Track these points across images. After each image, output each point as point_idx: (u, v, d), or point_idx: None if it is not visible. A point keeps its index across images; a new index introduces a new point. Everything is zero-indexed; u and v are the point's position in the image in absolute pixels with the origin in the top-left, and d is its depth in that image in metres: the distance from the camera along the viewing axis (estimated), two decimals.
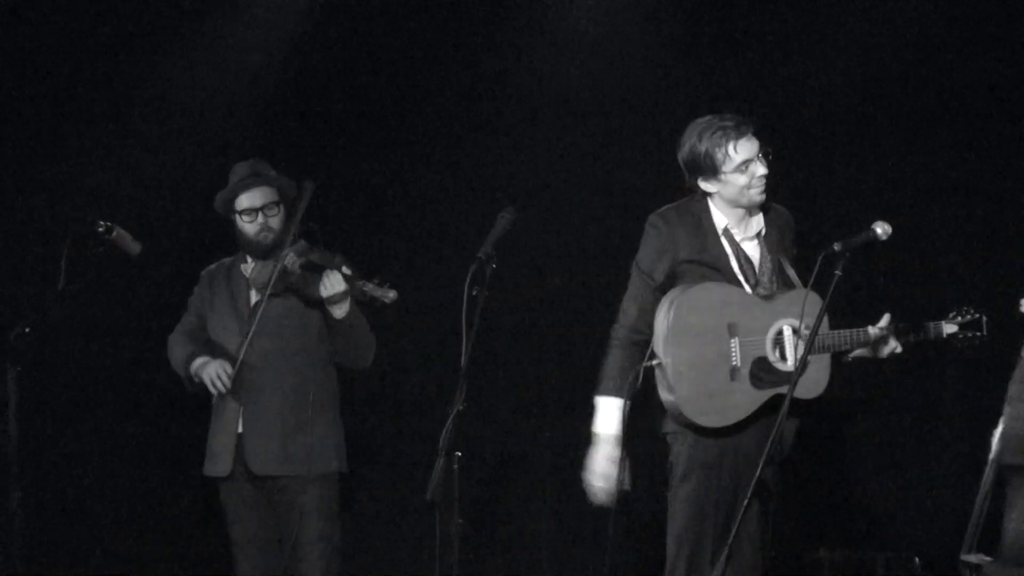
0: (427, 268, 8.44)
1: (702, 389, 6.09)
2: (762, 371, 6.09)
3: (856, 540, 7.77)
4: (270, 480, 7.00)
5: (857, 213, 6.30)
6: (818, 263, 5.74)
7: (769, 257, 6.22)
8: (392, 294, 6.76)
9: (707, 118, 6.21)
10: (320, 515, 7.03)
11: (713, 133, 6.13)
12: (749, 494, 5.74)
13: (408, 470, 8.25)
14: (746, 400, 6.09)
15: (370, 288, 6.71)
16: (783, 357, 6.08)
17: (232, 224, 7.09)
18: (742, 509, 5.74)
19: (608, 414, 6.19)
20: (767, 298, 6.15)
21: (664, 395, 6.10)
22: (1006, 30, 7.58)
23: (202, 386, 6.99)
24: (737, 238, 6.23)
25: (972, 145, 7.66)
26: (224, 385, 6.88)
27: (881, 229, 5.87)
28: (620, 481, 6.12)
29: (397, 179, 8.55)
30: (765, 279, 6.20)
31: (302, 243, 7.01)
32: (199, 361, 6.98)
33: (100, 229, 6.71)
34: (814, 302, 5.89)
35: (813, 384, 6.05)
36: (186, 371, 7.02)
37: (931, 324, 6.15)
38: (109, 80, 8.38)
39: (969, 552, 5.60)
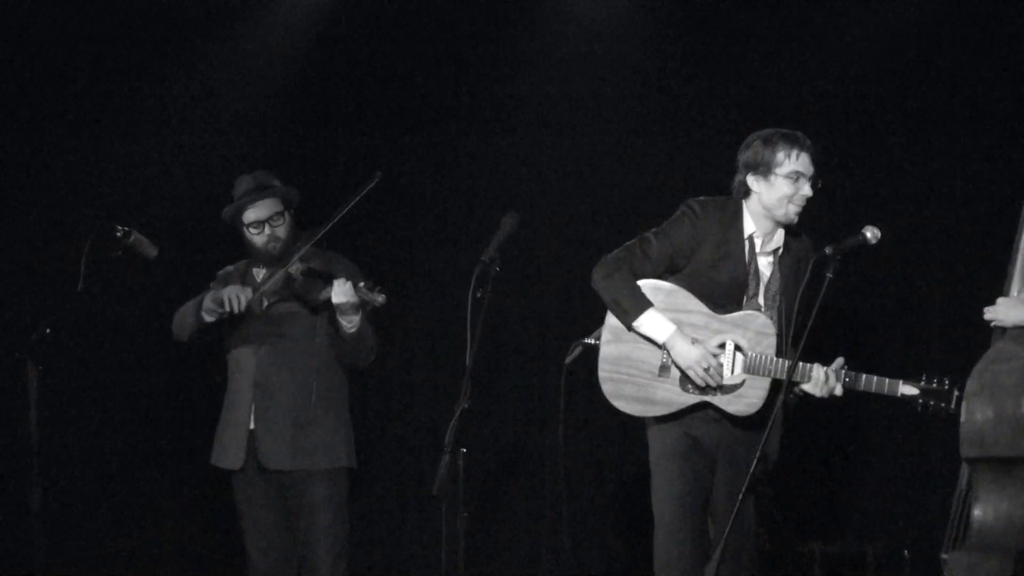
0: (433, 271, 8.46)
1: (624, 375, 6.22)
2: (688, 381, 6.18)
3: (847, 534, 7.81)
4: (281, 474, 6.96)
5: (849, 217, 6.32)
6: (811, 266, 5.79)
7: (779, 277, 6.26)
8: (381, 298, 6.73)
9: (778, 130, 6.28)
10: (329, 509, 7.00)
11: (781, 138, 6.21)
12: (744, 490, 5.80)
13: (415, 466, 8.28)
14: (668, 398, 6.19)
15: (361, 292, 6.73)
16: (730, 369, 6.14)
17: (240, 234, 7.11)
18: (736, 506, 5.80)
19: (656, 321, 6.24)
20: (727, 313, 6.21)
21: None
22: (994, 38, 7.60)
23: (208, 331, 7.02)
24: (757, 248, 6.28)
25: (961, 152, 7.69)
26: (239, 304, 6.89)
27: (871, 233, 5.91)
28: None
29: (405, 186, 8.55)
30: (769, 296, 6.27)
31: (308, 249, 7.01)
32: (212, 292, 6.96)
33: (118, 234, 6.72)
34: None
35: (746, 405, 6.11)
36: (196, 315, 6.95)
37: (887, 381, 6.07)
38: (128, 93, 8.42)
39: (948, 551, 5.61)
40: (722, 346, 6.15)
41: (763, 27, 8.09)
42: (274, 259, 7.01)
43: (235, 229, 7.10)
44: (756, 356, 6.08)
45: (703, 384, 6.08)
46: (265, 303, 6.99)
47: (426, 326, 8.52)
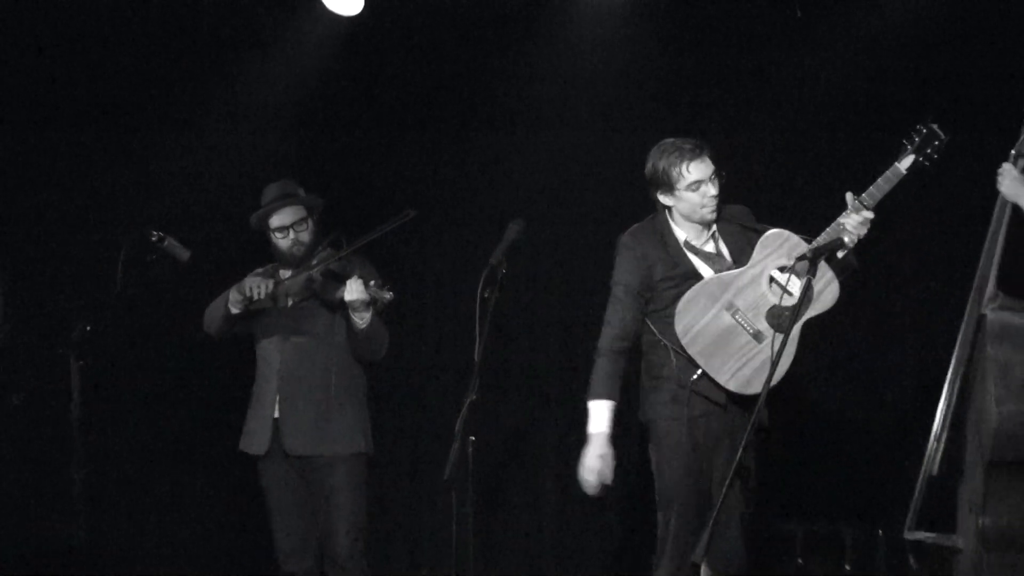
0: (445, 273, 8.44)
1: (740, 369, 6.10)
2: (779, 317, 6.03)
3: (825, 515, 7.75)
4: (303, 459, 6.97)
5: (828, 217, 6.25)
6: (792, 266, 5.73)
7: (734, 247, 6.25)
8: (389, 295, 6.76)
9: (669, 140, 6.25)
10: (348, 491, 7.00)
11: (671, 153, 6.19)
12: (731, 474, 5.72)
13: (427, 452, 8.24)
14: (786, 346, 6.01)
15: (372, 290, 6.70)
16: (789, 293, 6.04)
17: (267, 238, 7.08)
18: (723, 490, 5.72)
19: (599, 416, 6.21)
20: (740, 267, 6.16)
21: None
22: (968, 40, 7.54)
23: (234, 323, 7.00)
24: (697, 246, 6.26)
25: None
26: (261, 292, 6.86)
27: (848, 237, 5.84)
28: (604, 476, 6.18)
29: (419, 192, 8.52)
30: (734, 263, 6.23)
31: (328, 251, 7.00)
32: (236, 285, 6.95)
33: (153, 238, 6.75)
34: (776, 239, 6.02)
35: (831, 295, 6.05)
36: (224, 308, 6.98)
37: (889, 174, 5.97)
38: (164, 111, 8.41)
39: (912, 530, 5.54)
40: (772, 280, 6.08)
41: (763, 30, 8.02)
42: (298, 262, 7.02)
43: (262, 234, 7.11)
44: (801, 256, 5.97)
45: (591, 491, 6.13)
46: (290, 302, 6.98)
47: (438, 324, 8.51)
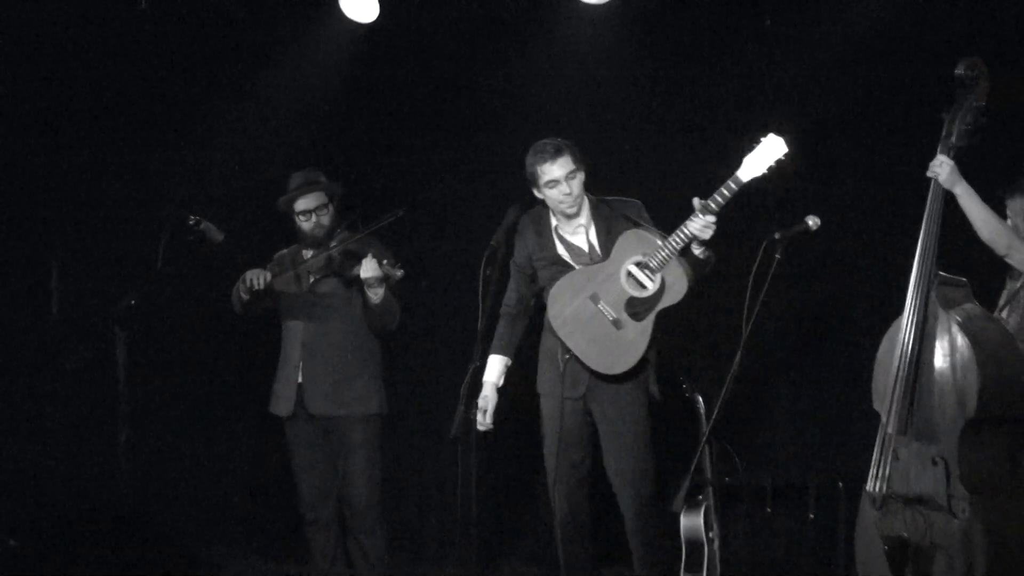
0: (452, 253, 8.44)
1: (602, 353, 6.25)
2: (636, 307, 6.16)
3: (792, 467, 7.79)
4: (324, 420, 7.02)
5: (793, 208, 6.29)
6: (762, 248, 5.77)
7: (599, 243, 6.32)
8: (400, 272, 6.82)
9: (541, 141, 6.37)
10: (365, 449, 7.06)
11: (535, 154, 6.34)
12: (705, 436, 5.81)
13: (436, 413, 8.26)
14: (639, 333, 6.19)
15: (384, 267, 6.75)
16: (643, 286, 6.15)
17: (292, 221, 7.12)
18: (700, 450, 5.84)
19: (491, 368, 6.47)
20: (602, 260, 6.27)
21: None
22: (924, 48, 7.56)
23: (252, 306, 7.06)
24: (566, 235, 6.37)
25: (890, 152, 7.66)
26: (259, 283, 6.91)
27: (812, 221, 5.89)
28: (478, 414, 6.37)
29: (430, 182, 8.54)
30: (596, 259, 6.32)
31: (346, 233, 7.04)
32: (241, 279, 7.00)
33: (191, 222, 6.77)
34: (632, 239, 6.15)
35: (678, 291, 6.17)
36: (238, 295, 7.01)
37: (732, 178, 5.96)
38: (202, 106, 8.40)
39: (874, 488, 5.56)
40: (629, 275, 6.18)
41: (736, 36, 8.03)
42: (318, 242, 7.05)
43: (287, 217, 7.11)
44: (654, 253, 6.10)
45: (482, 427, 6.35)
46: (311, 279, 7.02)
47: (446, 298, 8.51)
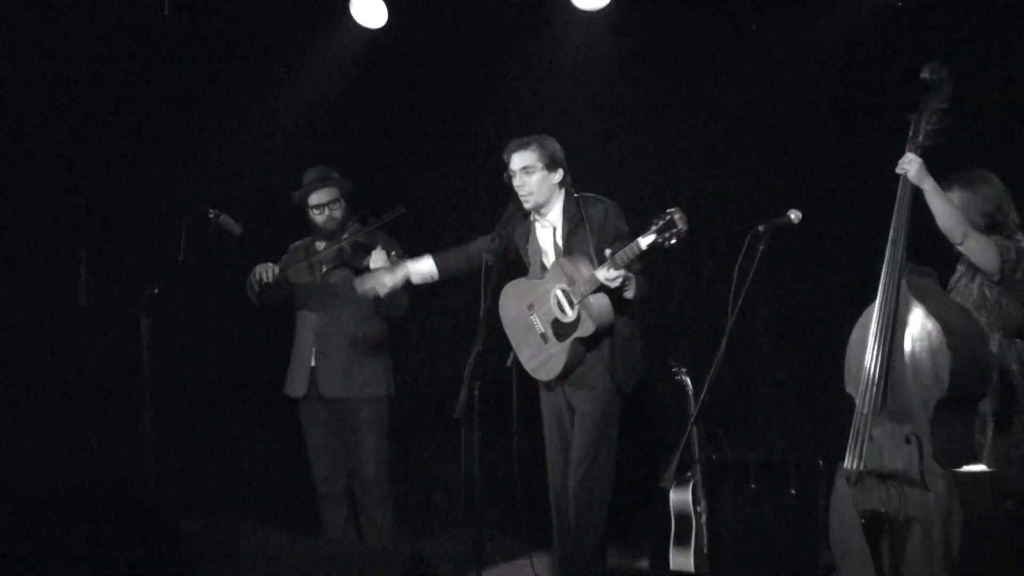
0: (455, 243, 8.46)
1: (533, 357, 6.34)
2: (558, 328, 6.22)
3: (775, 446, 7.82)
4: (335, 401, 7.07)
5: (776, 203, 6.29)
6: (747, 240, 5.78)
7: (563, 238, 6.31)
8: None
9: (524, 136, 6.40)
10: (374, 428, 7.09)
11: (507, 144, 6.37)
12: (692, 420, 5.83)
13: (441, 394, 8.28)
14: (560, 351, 6.24)
15: (392, 259, 6.77)
16: (564, 311, 6.20)
17: (306, 214, 7.14)
18: (688, 432, 5.87)
19: (424, 263, 6.60)
20: (543, 276, 6.29)
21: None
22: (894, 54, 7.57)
23: (265, 296, 7.07)
24: (536, 229, 6.40)
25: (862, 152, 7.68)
26: (267, 276, 6.92)
27: (794, 215, 5.88)
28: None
29: (432, 179, 8.56)
30: (549, 257, 6.35)
31: (357, 226, 7.05)
32: (252, 272, 7.03)
33: (211, 215, 6.78)
34: (566, 266, 6.14)
35: (586, 328, 6.17)
36: (250, 285, 7.03)
37: (632, 244, 5.91)
38: (222, 106, 8.42)
39: (851, 464, 5.58)
40: (556, 298, 6.24)
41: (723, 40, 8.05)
42: (331, 235, 7.06)
43: (302, 210, 7.13)
44: (576, 288, 6.14)
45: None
46: (324, 269, 7.04)
47: (450, 286, 8.50)
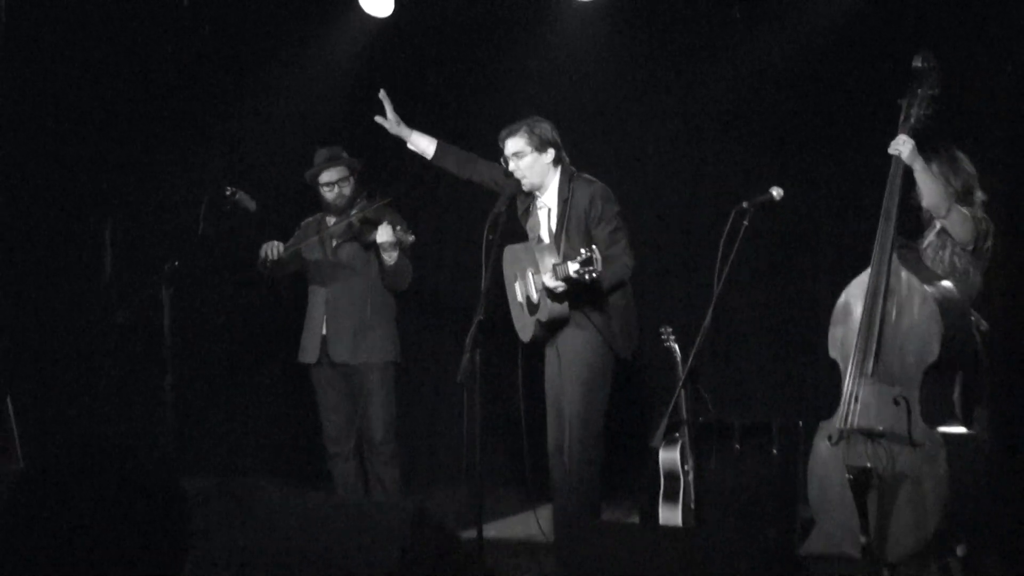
0: (458, 219, 8.48)
1: (517, 319, 6.43)
2: (530, 305, 6.35)
3: (757, 409, 7.84)
4: (345, 367, 7.08)
5: (761, 181, 6.30)
6: (731, 216, 5.79)
7: (556, 221, 6.30)
8: (411, 238, 6.85)
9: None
10: (382, 392, 7.09)
11: (503, 128, 6.40)
12: (681, 384, 5.85)
13: (444, 360, 8.30)
14: (531, 323, 6.34)
15: (398, 233, 6.77)
16: (532, 294, 6.30)
17: (317, 192, 7.15)
18: (676, 395, 5.89)
19: (426, 140, 6.75)
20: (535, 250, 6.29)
21: None
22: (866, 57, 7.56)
23: (275, 270, 7.06)
24: (537, 203, 6.40)
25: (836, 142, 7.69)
26: (273, 254, 6.91)
27: (776, 192, 5.91)
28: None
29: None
30: (543, 237, 6.34)
31: (365, 203, 7.06)
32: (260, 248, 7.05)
33: (228, 192, 6.76)
34: (543, 254, 6.13)
35: (560, 308, 6.19)
36: (260, 260, 7.02)
37: (564, 264, 5.92)
38: (239, 90, 8.48)
39: (843, 425, 5.61)
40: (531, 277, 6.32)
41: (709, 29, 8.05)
42: (340, 211, 7.07)
43: (313, 188, 7.14)
44: (538, 277, 6.19)
45: None
46: (334, 243, 7.05)
47: (453, 259, 8.55)
